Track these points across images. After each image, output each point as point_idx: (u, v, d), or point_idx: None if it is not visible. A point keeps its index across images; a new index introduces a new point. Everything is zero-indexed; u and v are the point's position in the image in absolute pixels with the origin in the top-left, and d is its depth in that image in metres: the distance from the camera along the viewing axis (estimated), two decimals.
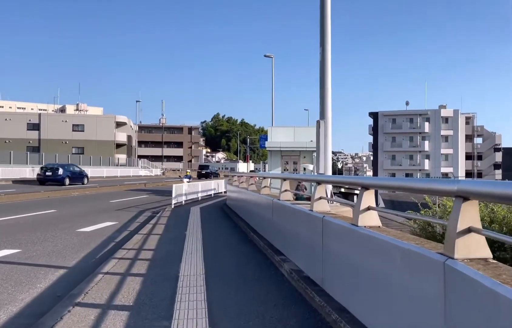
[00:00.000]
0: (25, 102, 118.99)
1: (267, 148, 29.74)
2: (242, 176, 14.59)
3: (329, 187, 8.16)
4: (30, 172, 37.90)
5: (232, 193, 16.67)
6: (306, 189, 13.39)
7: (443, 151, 75.07)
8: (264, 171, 31.18)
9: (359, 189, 4.35)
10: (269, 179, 10.76)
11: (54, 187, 28.97)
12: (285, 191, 7.93)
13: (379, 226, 4.15)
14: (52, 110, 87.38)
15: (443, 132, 75.17)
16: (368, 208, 4.18)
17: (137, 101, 75.72)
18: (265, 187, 10.07)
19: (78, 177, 34.17)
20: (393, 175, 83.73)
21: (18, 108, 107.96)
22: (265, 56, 34.86)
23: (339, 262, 4.64)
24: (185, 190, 19.81)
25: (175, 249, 8.47)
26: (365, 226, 4.10)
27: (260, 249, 8.46)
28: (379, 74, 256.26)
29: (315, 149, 29.07)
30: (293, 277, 5.83)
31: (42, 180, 31.34)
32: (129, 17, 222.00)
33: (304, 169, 30.21)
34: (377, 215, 4.25)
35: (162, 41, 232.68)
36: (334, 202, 6.33)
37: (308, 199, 9.77)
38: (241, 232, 10.89)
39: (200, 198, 23.01)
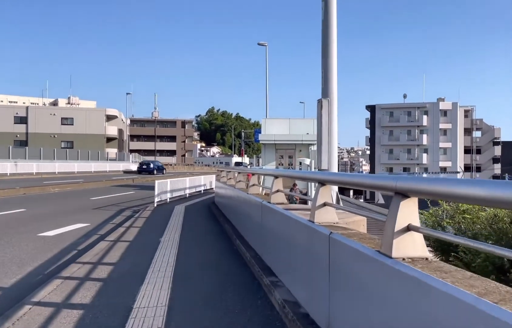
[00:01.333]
0: (15, 95, 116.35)
1: (260, 142, 28.11)
2: (230, 172, 12.87)
3: (335, 189, 6.60)
4: (12, 166, 36.10)
5: (220, 189, 15.01)
6: (301, 192, 11.70)
7: (441, 145, 73.76)
8: (258, 165, 29.46)
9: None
10: (258, 176, 9.14)
11: (35, 182, 27.24)
12: (277, 191, 6.31)
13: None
14: (44, 104, 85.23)
15: (441, 126, 73.81)
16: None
17: (127, 93, 73.64)
18: (254, 185, 8.45)
19: (160, 169, 50.66)
20: (391, 169, 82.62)
21: (9, 102, 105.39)
22: (258, 44, 33.10)
23: (357, 306, 3.05)
24: (170, 186, 18.15)
25: (141, 262, 6.85)
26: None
27: (246, 263, 6.85)
28: (376, 67, 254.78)
29: (311, 142, 27.56)
30: (286, 313, 4.23)
31: (139, 170, 49.01)
32: (122, 7, 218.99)
33: (300, 163, 28.67)
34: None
35: (155, 33, 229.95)
36: (341, 209, 4.73)
37: (304, 202, 8.18)
38: (226, 238, 9.27)
39: (188, 195, 21.38)
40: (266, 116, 32.29)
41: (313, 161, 18.51)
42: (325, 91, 7.85)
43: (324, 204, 4.18)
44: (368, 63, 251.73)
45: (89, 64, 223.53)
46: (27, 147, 42.81)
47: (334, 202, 5.66)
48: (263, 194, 8.51)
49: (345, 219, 5.33)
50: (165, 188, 17.63)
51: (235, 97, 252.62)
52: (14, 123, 67.63)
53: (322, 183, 4.28)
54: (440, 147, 73.74)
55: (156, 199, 16.40)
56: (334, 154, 8.09)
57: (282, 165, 28.70)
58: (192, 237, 9.37)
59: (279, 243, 5.51)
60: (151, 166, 48.90)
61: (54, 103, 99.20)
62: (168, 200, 18.11)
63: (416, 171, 73.52)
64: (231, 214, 10.72)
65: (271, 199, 6.23)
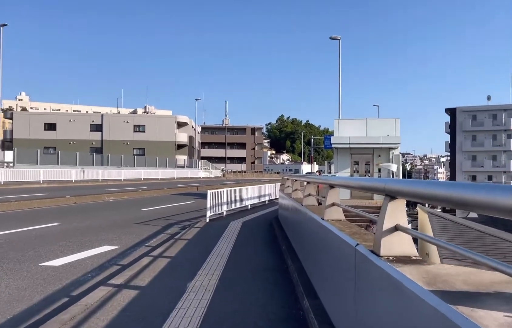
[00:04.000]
0: (93, 106, 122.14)
1: (333, 145, 24.65)
2: (296, 181, 9.59)
3: None
4: (78, 173, 35.76)
5: (284, 201, 11.87)
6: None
7: None
8: (330, 173, 25.96)
9: None
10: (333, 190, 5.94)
11: (95, 190, 26.03)
12: (395, 228, 3.10)
13: None
14: (118, 113, 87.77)
15: None
16: None
17: (196, 99, 72.51)
18: (333, 204, 5.20)
19: None
20: (474, 177, 75.10)
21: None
22: (330, 38, 29.72)
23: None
24: (227, 197, 15.40)
25: None
26: None
27: None
28: (453, 68, 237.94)
29: (393, 145, 23.55)
30: None
31: None
32: (192, 18, 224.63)
33: (379, 170, 24.78)
34: None
35: (227, 44, 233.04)
36: None
37: None
38: (290, 289, 6.07)
39: (249, 207, 18.55)
40: (339, 117, 28.75)
41: (400, 167, 14.76)
42: None
43: None
44: (444, 64, 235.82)
45: (163, 76, 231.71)
46: (94, 154, 42.74)
47: None
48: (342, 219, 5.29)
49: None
50: (220, 199, 14.91)
51: (304, 104, 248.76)
52: (90, 131, 69.60)
53: None
54: None
55: (208, 213, 13.69)
56: None
57: (358, 172, 25.01)
58: (237, 279, 6.32)
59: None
60: None
61: (134, 113, 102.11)
62: (225, 213, 15.38)
63: (503, 179, 65.99)
64: (298, 243, 7.55)
65: (381, 247, 2.98)
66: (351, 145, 23.52)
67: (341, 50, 30.13)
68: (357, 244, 3.32)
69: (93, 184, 33.82)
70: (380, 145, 23.07)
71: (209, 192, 13.65)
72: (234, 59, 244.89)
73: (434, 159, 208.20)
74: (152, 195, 26.84)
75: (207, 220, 13.52)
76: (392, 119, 24.04)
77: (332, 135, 43.81)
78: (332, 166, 25.39)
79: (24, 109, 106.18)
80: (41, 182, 30.16)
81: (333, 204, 4.72)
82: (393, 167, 16.49)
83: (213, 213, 14.24)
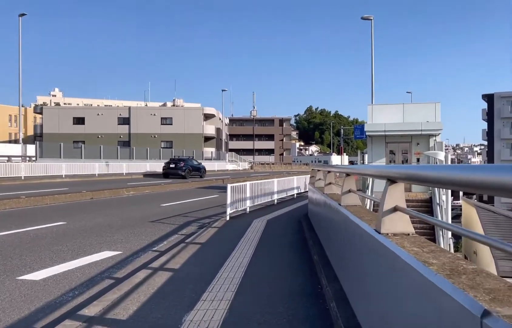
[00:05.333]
0: (121, 100, 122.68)
1: (366, 133, 22.63)
2: (330, 172, 7.75)
3: None
4: (103, 167, 34.99)
5: (314, 196, 10.14)
6: None
7: None
8: (362, 163, 24.03)
9: None
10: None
11: (116, 184, 25.01)
12: None
13: None
14: (146, 106, 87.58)
15: None
16: None
17: (223, 90, 70.98)
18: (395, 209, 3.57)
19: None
20: None
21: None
22: (362, 18, 27.56)
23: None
24: (250, 191, 13.82)
25: None
26: None
27: None
28: (488, 53, 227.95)
29: (434, 132, 21.31)
30: None
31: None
32: (220, 13, 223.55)
33: (418, 160, 22.64)
34: None
35: (255, 35, 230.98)
36: None
37: None
38: (325, 315, 4.55)
39: (276, 201, 16.94)
40: (372, 102, 26.64)
41: (448, 155, 12.70)
42: None
43: None
44: (479, 49, 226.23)
45: (192, 70, 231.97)
46: (118, 147, 41.99)
47: None
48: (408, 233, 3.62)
49: None
50: (243, 194, 13.33)
51: (333, 95, 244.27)
52: (118, 124, 69.42)
53: None
54: None
55: (229, 210, 12.13)
56: None
57: (394, 162, 22.94)
58: (252, 311, 4.68)
59: None
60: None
61: (163, 106, 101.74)
62: (248, 209, 13.81)
63: None
64: (334, 254, 5.82)
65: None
66: (386, 133, 21.47)
67: (372, 35, 27.98)
68: (484, 313, 1.59)
69: (117, 178, 32.95)
70: (420, 132, 20.93)
71: (229, 186, 12.07)
72: (262, 51, 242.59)
73: (467, 148, 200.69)
74: (175, 188, 25.62)
75: (227, 218, 11.98)
76: (432, 103, 21.81)
77: (362, 125, 41.47)
78: (366, 156, 23.40)
79: (57, 104, 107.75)
80: (63, 176, 29.43)
81: (395, 209, 3.08)
82: (440, 155, 14.50)
83: (234, 210, 12.69)
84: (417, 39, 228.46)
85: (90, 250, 8.45)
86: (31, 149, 32.45)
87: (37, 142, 32.26)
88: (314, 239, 7.93)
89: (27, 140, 57.95)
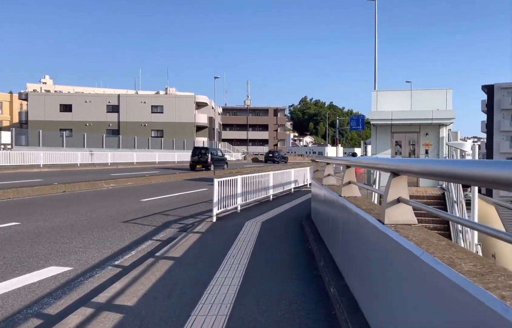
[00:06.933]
0: (115, 89, 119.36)
1: (370, 122, 20.65)
2: (350, 167, 5.68)
3: None
4: (86, 156, 32.81)
5: (320, 192, 8.10)
6: None
7: None
8: (365, 154, 22.10)
9: None
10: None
11: (97, 175, 22.95)
12: None
13: None
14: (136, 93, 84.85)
15: None
16: None
17: (215, 77, 68.49)
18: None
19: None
20: None
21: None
22: None
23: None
24: (242, 186, 11.80)
25: None
26: None
27: None
28: (487, 44, 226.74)
29: (445, 121, 19.27)
30: None
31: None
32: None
33: (427, 152, 20.75)
34: None
35: (249, 24, 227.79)
36: None
37: None
38: None
39: (271, 197, 14.98)
40: (375, 88, 24.64)
41: (476, 146, 10.69)
42: None
43: None
44: (479, 41, 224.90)
45: (185, 59, 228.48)
46: (103, 135, 39.69)
47: None
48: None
49: None
50: (233, 189, 11.33)
51: (328, 86, 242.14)
52: (107, 112, 66.90)
53: None
54: None
55: (216, 209, 10.11)
56: None
57: (400, 154, 21.02)
58: None
59: None
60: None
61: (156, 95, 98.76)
62: (239, 208, 11.82)
63: None
64: (358, 283, 3.96)
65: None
66: (393, 122, 19.50)
67: (375, 15, 25.96)
68: None
69: (101, 168, 30.84)
70: (430, 122, 18.95)
71: (216, 180, 10.04)
72: (256, 40, 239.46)
73: (461, 140, 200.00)
74: (161, 180, 23.57)
75: (214, 220, 9.97)
76: (443, 89, 19.85)
77: (359, 116, 39.49)
78: (369, 147, 21.45)
79: (48, 92, 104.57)
80: (41, 166, 27.26)
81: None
82: (466, 147, 12.56)
83: (222, 209, 10.69)
84: (416, 29, 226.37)
85: (32, 265, 6.46)
86: (6, 136, 30.18)
87: (13, 129, 29.92)
88: (325, 256, 5.94)
89: (12, 128, 55.39)
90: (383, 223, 3.21)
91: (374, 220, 3.48)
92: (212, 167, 32.21)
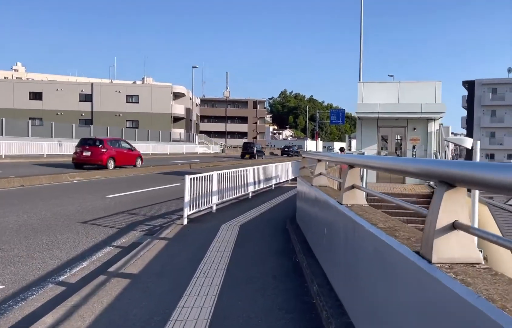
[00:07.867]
0: (85, 77, 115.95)
1: (357, 116, 19.62)
2: (354, 167, 4.53)
3: None
4: (54, 146, 30.91)
5: (306, 196, 6.95)
6: None
7: None
8: (349, 151, 21.09)
9: None
10: None
11: (57, 170, 21.30)
12: None
13: None
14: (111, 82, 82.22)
15: None
16: None
17: (193, 67, 66.36)
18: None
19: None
20: (492, 156, 70.69)
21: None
22: None
23: None
24: (218, 183, 10.54)
25: None
26: None
27: None
28: (469, 40, 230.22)
29: (434, 115, 18.20)
30: None
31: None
32: None
33: (414, 147, 19.87)
34: None
35: (229, 14, 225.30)
36: None
37: None
38: None
39: (251, 195, 13.77)
40: (360, 79, 23.66)
41: (478, 142, 9.66)
42: None
43: None
44: (462, 35, 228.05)
45: (162, 49, 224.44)
46: (73, 125, 37.66)
47: None
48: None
49: None
50: (208, 187, 10.05)
51: (308, 80, 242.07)
52: (80, 101, 64.36)
53: None
54: None
55: (187, 211, 8.82)
56: None
57: (386, 149, 20.11)
58: None
59: None
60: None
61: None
62: (215, 207, 10.56)
63: None
64: (342, 275, 2.84)
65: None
66: (380, 115, 18.53)
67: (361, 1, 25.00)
68: None
69: (69, 160, 29.01)
70: (418, 115, 18.05)
71: (187, 178, 8.73)
72: (236, 32, 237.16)
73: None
74: (132, 173, 22.07)
75: (184, 222, 8.69)
76: (432, 82, 18.97)
77: (339, 110, 38.57)
78: (353, 142, 20.47)
79: (19, 79, 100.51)
80: (2, 156, 25.35)
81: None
82: (467, 142, 11.60)
83: (195, 210, 9.41)
84: (395, 17, 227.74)
85: None
86: None
87: None
88: (319, 276, 4.76)
89: None
90: (430, 262, 2.24)
91: (411, 254, 2.33)
92: (256, 157, 45.92)
